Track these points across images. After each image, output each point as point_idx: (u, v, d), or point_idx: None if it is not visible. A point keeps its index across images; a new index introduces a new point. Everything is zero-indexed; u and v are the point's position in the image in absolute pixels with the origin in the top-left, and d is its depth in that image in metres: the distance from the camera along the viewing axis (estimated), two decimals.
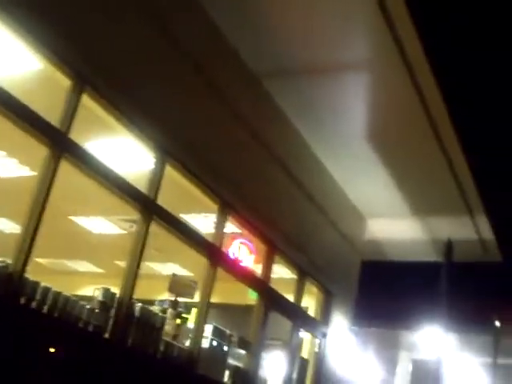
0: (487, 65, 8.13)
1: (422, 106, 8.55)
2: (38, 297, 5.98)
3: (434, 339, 12.51)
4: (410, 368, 18.90)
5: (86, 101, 6.38)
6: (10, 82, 5.75)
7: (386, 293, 13.18)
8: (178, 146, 7.43)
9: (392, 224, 12.10)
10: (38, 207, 5.85)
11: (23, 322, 5.76)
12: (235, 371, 8.76)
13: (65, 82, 6.20)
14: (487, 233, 11.71)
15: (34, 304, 5.94)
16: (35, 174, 7.61)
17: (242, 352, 9.20)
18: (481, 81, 8.34)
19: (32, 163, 8.29)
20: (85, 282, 11.24)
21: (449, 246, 12.28)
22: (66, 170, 6.17)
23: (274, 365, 10.53)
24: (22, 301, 5.81)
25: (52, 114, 5.99)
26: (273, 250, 9.40)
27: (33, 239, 5.79)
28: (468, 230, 11.74)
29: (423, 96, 8.39)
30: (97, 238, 11.53)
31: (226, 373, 8.67)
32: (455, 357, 16.05)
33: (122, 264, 7.16)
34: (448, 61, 7.91)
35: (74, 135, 6.19)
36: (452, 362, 15.93)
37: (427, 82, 8.07)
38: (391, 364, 18.90)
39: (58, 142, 6.05)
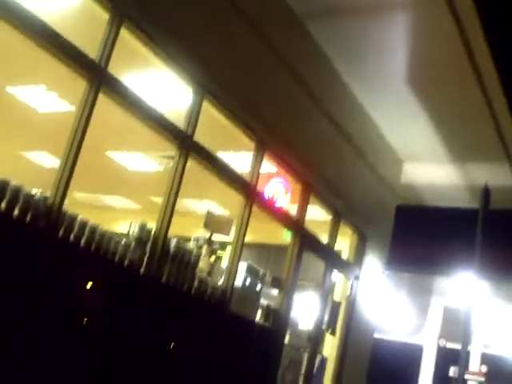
0: None
1: (465, 48, 8.30)
2: (75, 230, 6.04)
3: (466, 286, 12.46)
4: (441, 314, 18.96)
5: (125, 34, 6.32)
6: (50, 16, 5.71)
7: (421, 238, 13.10)
8: (216, 82, 7.34)
9: (429, 169, 11.95)
10: (76, 141, 5.86)
11: (61, 255, 5.84)
12: (267, 311, 8.83)
13: (103, 16, 6.14)
14: None
15: (71, 237, 6.01)
16: (74, 108, 7.67)
17: (275, 292, 9.26)
18: None
19: (71, 97, 8.30)
20: (121, 217, 11.32)
21: (486, 193, 12.07)
22: (104, 105, 6.15)
23: (306, 306, 10.61)
24: (61, 233, 5.88)
25: (91, 48, 5.95)
26: (308, 191, 9.34)
27: (71, 173, 5.81)
28: (506, 176, 11.55)
29: (466, 38, 8.14)
30: (134, 173, 11.57)
31: (258, 312, 8.74)
32: (487, 304, 16.03)
33: (158, 200, 7.18)
34: (494, 3, 7.66)
35: (112, 69, 6.15)
36: (484, 309, 15.93)
37: (471, 24, 7.82)
38: (422, 309, 18.97)
39: (97, 76, 6.01)
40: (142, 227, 6.82)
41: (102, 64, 6.04)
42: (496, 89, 8.99)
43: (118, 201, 13.74)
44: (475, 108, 9.63)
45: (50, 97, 8.94)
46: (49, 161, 11.40)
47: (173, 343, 7.23)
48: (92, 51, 5.97)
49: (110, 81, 6.17)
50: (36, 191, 5.75)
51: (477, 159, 11.41)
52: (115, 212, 13.33)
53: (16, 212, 5.50)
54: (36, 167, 11.96)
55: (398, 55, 8.95)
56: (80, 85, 5.95)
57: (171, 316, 7.07)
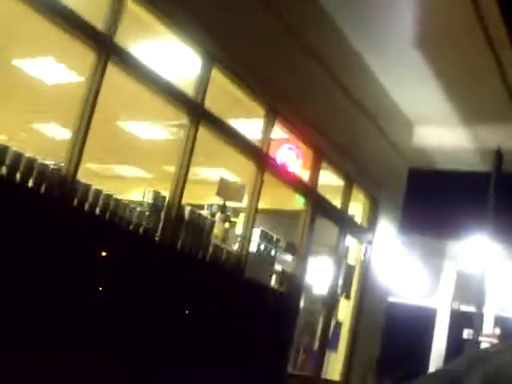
0: None
1: (475, 11, 8.24)
2: (90, 199, 6.12)
3: (479, 249, 12.51)
4: (455, 278, 19.03)
5: (131, 4, 6.32)
6: None
7: (433, 201, 13.14)
8: (225, 50, 7.34)
9: (441, 132, 11.92)
10: (87, 112, 5.91)
11: (77, 223, 5.93)
12: (282, 276, 8.92)
13: None
14: None
15: (86, 206, 6.09)
16: (82, 79, 7.70)
17: (289, 257, 9.35)
18: None
19: (79, 68, 8.33)
20: (134, 186, 11.38)
21: (498, 156, 12.08)
22: (114, 75, 6.18)
23: (320, 270, 10.69)
24: (75, 203, 5.96)
25: (97, 18, 5.96)
26: (320, 156, 9.37)
27: (83, 143, 5.88)
28: None
29: (476, 1, 8.08)
30: (145, 143, 11.60)
31: (273, 277, 8.83)
32: (500, 268, 16.06)
33: (171, 169, 7.24)
34: None
35: (120, 39, 6.17)
36: (497, 273, 15.97)
37: None
38: (436, 273, 19.04)
39: (105, 46, 6.05)
40: (156, 195, 6.90)
41: (110, 35, 6.07)
42: (507, 51, 8.93)
43: (130, 170, 13.79)
44: (486, 71, 9.57)
45: (58, 68, 8.95)
46: (60, 132, 11.45)
47: (188, 309, 7.35)
48: (99, 22, 5.98)
49: (118, 51, 6.20)
50: (49, 162, 5.82)
51: (488, 122, 11.37)
52: (127, 181, 13.39)
53: (31, 183, 5.58)
54: (48, 139, 12.03)
55: (407, 19, 8.90)
56: (88, 56, 5.99)
57: (186, 282, 7.17)
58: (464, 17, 8.41)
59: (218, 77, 7.47)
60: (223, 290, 7.71)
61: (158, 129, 10.84)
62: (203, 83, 7.17)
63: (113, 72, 6.16)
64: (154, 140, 11.32)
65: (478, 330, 12.86)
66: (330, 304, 10.13)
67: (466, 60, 9.56)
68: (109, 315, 6.27)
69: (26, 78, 9.39)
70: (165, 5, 6.54)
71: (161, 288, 6.77)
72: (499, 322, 19.76)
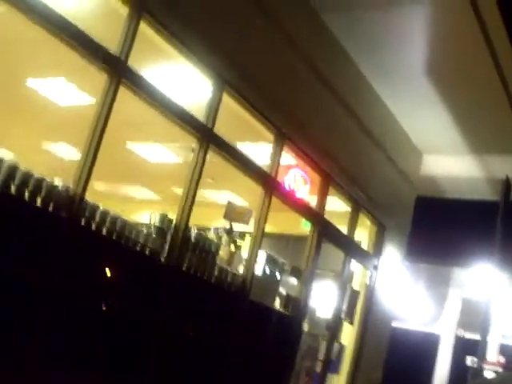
0: None
1: (485, 40, 8.29)
2: (97, 219, 6.17)
3: (485, 278, 12.46)
4: (460, 305, 18.95)
5: (144, 28, 6.41)
6: (70, 10, 5.83)
7: (440, 229, 13.09)
8: (236, 75, 7.42)
9: (449, 161, 11.94)
10: (97, 133, 5.98)
11: (83, 243, 5.98)
12: (286, 299, 8.94)
13: (123, 10, 6.23)
14: None
15: (93, 226, 6.15)
16: (93, 100, 7.81)
17: (294, 281, 9.37)
18: None
19: (91, 90, 8.43)
20: (142, 208, 11.46)
21: (506, 185, 12.05)
22: (125, 98, 6.27)
23: (324, 294, 10.71)
24: (83, 223, 6.02)
25: (111, 42, 6.06)
26: (328, 182, 9.42)
27: (92, 164, 5.94)
28: None
29: (486, 30, 8.12)
30: (154, 165, 11.69)
31: (277, 300, 8.86)
32: (505, 296, 15.99)
33: (179, 191, 7.30)
34: None
35: (132, 62, 6.26)
36: (502, 301, 15.90)
37: (491, 16, 7.81)
38: (440, 300, 18.97)
39: (117, 69, 6.12)
40: (163, 217, 6.96)
41: (123, 58, 6.15)
42: None
43: (140, 192, 13.88)
44: (495, 100, 9.61)
45: (70, 90, 9.06)
46: (70, 153, 11.57)
47: (193, 330, 7.38)
48: (112, 45, 6.08)
49: (130, 74, 6.28)
50: (58, 182, 5.89)
51: (497, 151, 11.39)
52: (136, 203, 13.48)
53: (39, 202, 5.64)
54: (57, 159, 12.13)
55: (416, 47, 8.95)
56: (100, 78, 6.07)
57: (192, 304, 7.20)
58: (474, 46, 8.46)
59: (228, 101, 7.55)
60: (228, 313, 7.74)
61: (168, 151, 10.93)
62: (214, 108, 7.25)
63: (124, 94, 6.24)
64: (164, 162, 11.41)
65: (481, 358, 12.77)
66: (333, 328, 10.13)
67: (475, 89, 9.60)
68: (113, 335, 6.31)
69: (38, 98, 9.50)
70: (178, 29, 6.62)
71: (166, 309, 6.81)
72: (503, 350, 19.63)
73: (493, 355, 18.61)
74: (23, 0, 5.39)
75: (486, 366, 13.48)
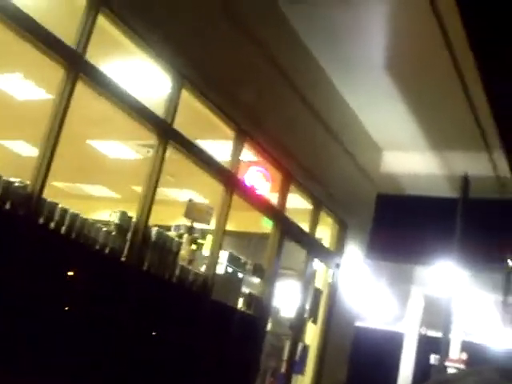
0: None
1: (443, 36, 8.35)
2: (56, 218, 6.04)
3: (446, 275, 12.59)
4: (422, 303, 19.13)
5: (102, 22, 6.31)
6: (26, 3, 5.70)
7: (401, 226, 13.21)
8: (195, 71, 7.35)
9: (409, 157, 12.03)
10: (54, 129, 5.85)
11: (42, 242, 5.84)
12: (249, 298, 8.87)
13: (80, 2, 6.12)
14: (504, 170, 11.60)
15: (52, 225, 6.01)
16: (51, 96, 7.64)
17: (257, 280, 9.31)
18: (504, 7, 8.13)
19: (48, 85, 8.27)
20: (101, 206, 11.30)
21: (465, 182, 12.20)
22: (83, 93, 6.15)
23: (287, 293, 10.67)
24: (41, 221, 5.89)
25: (68, 35, 5.94)
26: (289, 179, 9.39)
27: (50, 161, 5.82)
28: (485, 166, 11.63)
29: (444, 25, 8.19)
30: (113, 162, 11.53)
31: (240, 300, 8.79)
32: (467, 294, 16.19)
33: (139, 189, 7.20)
34: None
35: (90, 57, 6.15)
36: (463, 298, 16.09)
37: (449, 12, 7.86)
38: (403, 298, 19.13)
39: (74, 63, 6.01)
40: (123, 215, 6.84)
41: (80, 51, 6.04)
42: (474, 78, 9.05)
43: (98, 190, 13.69)
44: (454, 97, 9.69)
45: (26, 85, 8.88)
46: (27, 149, 11.35)
47: (154, 330, 7.27)
48: (70, 38, 5.96)
49: (88, 69, 6.17)
50: (15, 180, 5.75)
51: (456, 148, 11.49)
52: (95, 201, 13.29)
53: None
54: (14, 156, 11.91)
55: (376, 43, 9.00)
56: (57, 73, 5.95)
57: (153, 303, 7.10)
58: (432, 42, 8.52)
59: (188, 97, 7.47)
60: (190, 313, 7.65)
61: (127, 148, 10.79)
62: (173, 103, 7.17)
63: (82, 89, 6.13)
64: (123, 160, 11.27)
65: (444, 356, 12.90)
66: (297, 327, 10.10)
67: (434, 85, 9.68)
68: (72, 335, 6.17)
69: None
70: (137, 23, 6.53)
71: (126, 309, 6.69)
72: (466, 347, 19.87)
73: (456, 352, 18.84)
74: None
75: (448, 364, 13.62)
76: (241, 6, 7.85)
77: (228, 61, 7.92)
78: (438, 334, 13.88)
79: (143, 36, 6.68)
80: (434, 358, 14.88)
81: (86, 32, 6.08)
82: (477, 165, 11.66)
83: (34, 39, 5.70)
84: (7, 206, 5.56)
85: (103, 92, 6.44)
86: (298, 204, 10.12)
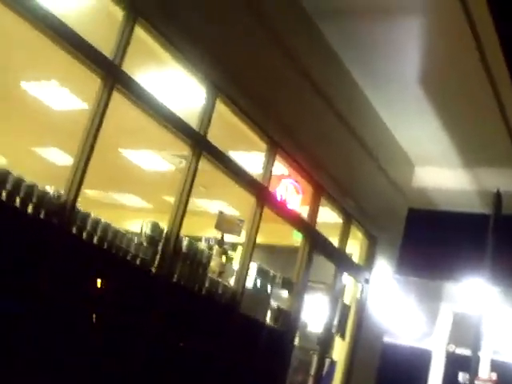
0: None
1: (479, 52, 8.27)
2: (88, 228, 6.05)
3: (476, 292, 12.39)
4: (451, 320, 18.87)
5: (140, 33, 6.34)
6: (65, 13, 5.74)
7: (432, 241, 13.04)
8: (230, 82, 7.35)
9: (441, 173, 11.90)
10: (89, 139, 5.86)
11: (74, 252, 5.84)
12: (277, 312, 8.80)
13: (118, 14, 6.15)
14: None
15: (84, 235, 6.02)
16: (86, 105, 7.69)
17: (285, 293, 9.24)
18: None
19: (84, 94, 8.32)
20: (132, 215, 11.33)
21: (498, 198, 12.01)
22: (118, 102, 6.16)
23: (315, 308, 10.58)
24: (74, 231, 5.89)
25: (105, 46, 5.96)
26: (320, 193, 9.33)
27: (84, 171, 5.82)
28: None
29: (480, 43, 8.11)
30: (146, 172, 11.55)
31: (268, 313, 8.72)
32: (497, 311, 15.94)
33: (170, 199, 7.18)
34: (508, 6, 7.62)
35: (126, 67, 6.17)
36: (494, 316, 15.83)
37: (485, 29, 7.80)
38: (432, 315, 18.89)
39: (111, 74, 6.03)
40: (154, 226, 6.82)
41: (117, 62, 6.06)
42: (509, 94, 8.97)
43: (131, 199, 13.73)
44: (488, 113, 9.61)
45: (62, 93, 8.93)
46: (61, 158, 11.41)
47: (182, 342, 7.24)
48: (107, 49, 5.98)
49: (124, 79, 6.18)
50: (49, 189, 5.77)
51: (489, 164, 11.36)
52: (127, 210, 13.34)
53: (30, 209, 5.51)
54: (49, 164, 11.99)
55: (411, 59, 8.93)
56: (93, 82, 5.97)
57: (181, 315, 7.07)
58: (467, 57, 8.45)
59: (221, 108, 7.46)
60: (218, 325, 7.61)
61: (160, 159, 10.81)
62: (207, 115, 7.16)
63: (118, 99, 6.14)
64: (156, 170, 11.29)
65: (474, 374, 12.67)
66: (324, 342, 10.00)
67: (468, 102, 9.59)
68: (102, 346, 6.16)
69: (31, 101, 9.36)
70: (173, 34, 6.55)
71: (156, 321, 6.67)
72: (495, 366, 19.53)
73: (485, 371, 18.52)
74: (19, 1, 5.29)
75: (478, 383, 13.38)
76: (276, 20, 7.82)
77: (262, 73, 7.89)
78: (467, 352, 13.66)
79: (179, 47, 6.69)
80: (462, 377, 14.64)
81: (123, 43, 6.11)
82: (509, 180, 11.50)
83: (71, 48, 5.72)
84: (42, 216, 5.58)
85: (138, 102, 6.45)
86: (328, 218, 10.05)
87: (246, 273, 8.00)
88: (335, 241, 9.98)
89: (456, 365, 16.61)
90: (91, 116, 5.90)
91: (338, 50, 8.92)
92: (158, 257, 6.73)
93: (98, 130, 5.90)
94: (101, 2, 6.39)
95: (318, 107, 9.01)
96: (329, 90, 9.02)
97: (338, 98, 9.26)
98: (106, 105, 5.95)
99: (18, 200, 5.46)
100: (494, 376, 17.22)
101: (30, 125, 10.40)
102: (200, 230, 9.24)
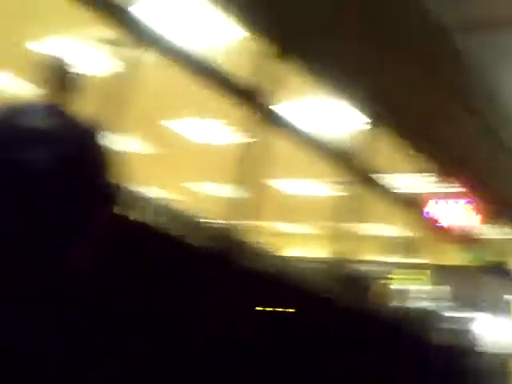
0: None
1: None
2: (258, 258, 6.16)
3: None
4: None
5: (288, 68, 6.41)
6: (209, 51, 5.92)
7: None
8: (387, 110, 7.29)
9: None
10: (245, 171, 6.02)
11: (249, 285, 5.89)
12: (447, 332, 8.56)
13: (264, 50, 6.26)
14: None
15: (255, 266, 6.10)
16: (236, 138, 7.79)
17: (455, 313, 8.98)
18: None
19: (234, 128, 8.49)
20: (296, 242, 11.38)
21: None
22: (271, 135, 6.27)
23: (490, 328, 10.18)
24: (246, 264, 5.97)
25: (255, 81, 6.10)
26: (491, 212, 9.03)
27: (244, 202, 5.99)
28: None
29: None
30: (306, 199, 11.73)
31: (437, 334, 8.49)
32: None
33: (332, 224, 7.19)
34: None
35: (278, 100, 6.28)
36: None
37: None
38: None
39: (262, 110, 6.18)
40: (325, 252, 6.86)
41: (267, 100, 6.21)
42: None
43: (292, 227, 13.88)
44: None
45: (226, 130, 9.20)
46: (217, 190, 11.73)
47: (356, 366, 7.14)
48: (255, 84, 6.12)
49: (275, 116, 6.34)
50: (214, 221, 5.97)
51: None
52: (290, 237, 13.46)
53: (198, 241, 5.66)
54: (202, 197, 12.40)
55: None
56: (242, 116, 6.13)
57: (354, 341, 6.99)
58: None
59: (380, 133, 7.43)
60: (391, 347, 7.47)
61: (319, 185, 10.89)
62: (367, 141, 7.16)
63: (270, 131, 6.27)
64: (315, 197, 11.36)
65: None
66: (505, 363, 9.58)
67: None
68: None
69: (181, 138, 9.63)
70: (325, 72, 6.60)
71: (328, 346, 6.63)
72: None
73: None
74: (168, 46, 5.50)
75: None
76: (430, 54, 7.60)
77: (419, 101, 7.70)
78: None
79: (335, 78, 6.71)
80: None
81: (275, 81, 6.22)
82: None
83: (221, 87, 5.88)
84: (212, 249, 5.70)
85: (290, 136, 6.56)
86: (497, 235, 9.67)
87: (418, 294, 7.83)
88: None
89: None
90: (243, 151, 6.05)
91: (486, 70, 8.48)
92: (328, 282, 6.72)
93: (252, 163, 6.05)
94: (245, 40, 6.46)
95: (479, 132, 8.63)
96: (487, 116, 8.67)
97: (497, 123, 8.88)
98: (261, 139, 6.09)
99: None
100: None
101: (183, 161, 10.76)
102: (364, 254, 9.19)
